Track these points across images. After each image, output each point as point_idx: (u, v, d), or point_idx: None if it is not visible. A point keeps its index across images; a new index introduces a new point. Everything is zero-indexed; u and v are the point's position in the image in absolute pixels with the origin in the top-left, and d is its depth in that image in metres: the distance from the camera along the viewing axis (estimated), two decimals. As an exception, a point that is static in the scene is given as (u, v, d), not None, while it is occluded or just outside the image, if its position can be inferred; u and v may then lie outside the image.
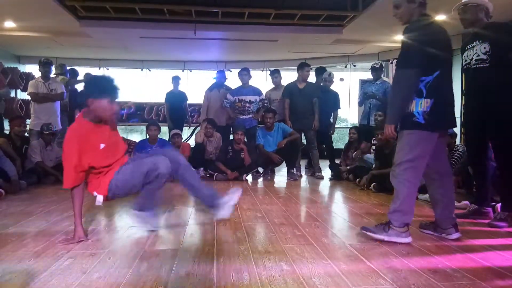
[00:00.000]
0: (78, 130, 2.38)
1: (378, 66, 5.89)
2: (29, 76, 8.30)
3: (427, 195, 3.59)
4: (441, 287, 1.70)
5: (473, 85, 3.03)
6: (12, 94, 8.11)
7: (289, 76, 6.50)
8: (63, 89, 5.93)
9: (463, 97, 3.24)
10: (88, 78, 2.81)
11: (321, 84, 6.11)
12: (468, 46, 3.06)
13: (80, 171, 2.34)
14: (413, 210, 2.43)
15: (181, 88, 7.49)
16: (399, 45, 2.49)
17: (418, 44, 2.31)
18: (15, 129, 4.90)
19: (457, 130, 6.21)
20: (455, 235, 2.48)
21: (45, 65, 5.83)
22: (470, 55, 3.01)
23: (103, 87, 2.39)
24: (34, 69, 7.08)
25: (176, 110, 7.32)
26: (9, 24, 6.74)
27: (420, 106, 2.36)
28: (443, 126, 2.48)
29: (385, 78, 6.24)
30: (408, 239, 2.39)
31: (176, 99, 7.32)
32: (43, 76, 5.80)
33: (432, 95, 2.34)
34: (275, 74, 6.27)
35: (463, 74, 3.31)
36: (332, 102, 6.08)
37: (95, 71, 8.38)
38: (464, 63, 3.11)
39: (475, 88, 3.01)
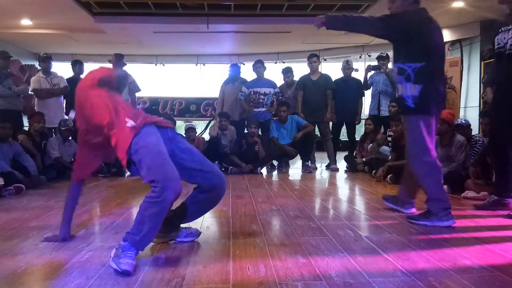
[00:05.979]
0: None
1: (385, 55, 5.80)
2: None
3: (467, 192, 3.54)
4: (460, 279, 1.67)
5: (509, 72, 2.76)
6: (30, 91, 8.24)
7: (303, 68, 6.39)
8: (65, 82, 5.88)
9: (481, 85, 3.12)
10: None
11: (342, 74, 5.99)
12: (503, 28, 2.79)
13: None
14: (444, 195, 2.56)
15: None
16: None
17: (405, 32, 2.47)
18: (35, 126, 4.99)
19: (474, 119, 6.13)
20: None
21: (44, 59, 5.83)
22: (505, 38, 2.74)
23: None
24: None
25: None
26: (25, 22, 6.86)
27: (409, 90, 2.46)
28: (434, 109, 2.53)
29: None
30: (449, 222, 2.47)
31: None
32: (44, 71, 5.79)
33: (420, 81, 2.43)
34: (287, 74, 6.09)
35: (494, 59, 3.02)
36: (355, 90, 5.89)
37: (109, 66, 8.43)
38: (496, 46, 2.84)
39: (510, 76, 2.74)
